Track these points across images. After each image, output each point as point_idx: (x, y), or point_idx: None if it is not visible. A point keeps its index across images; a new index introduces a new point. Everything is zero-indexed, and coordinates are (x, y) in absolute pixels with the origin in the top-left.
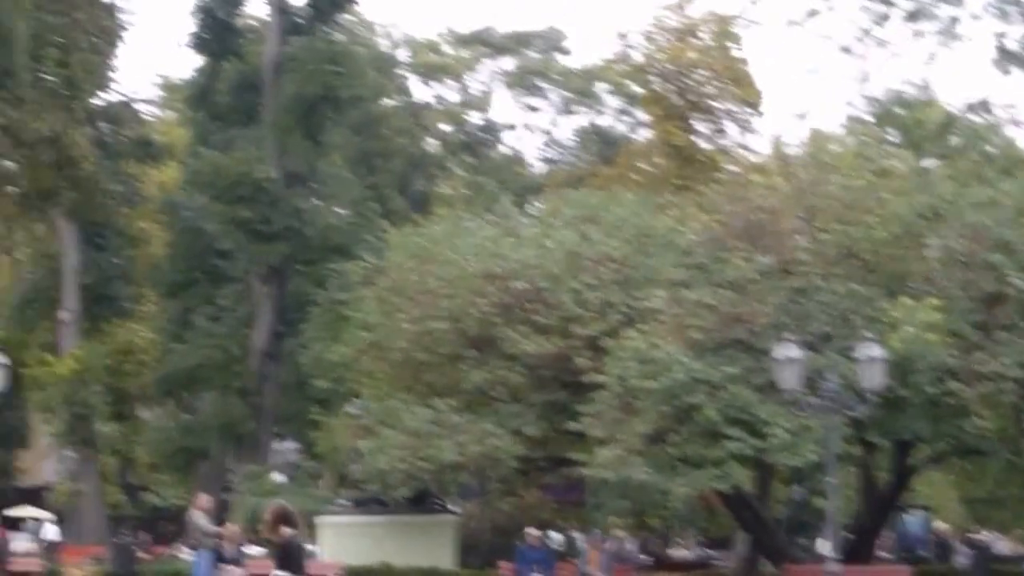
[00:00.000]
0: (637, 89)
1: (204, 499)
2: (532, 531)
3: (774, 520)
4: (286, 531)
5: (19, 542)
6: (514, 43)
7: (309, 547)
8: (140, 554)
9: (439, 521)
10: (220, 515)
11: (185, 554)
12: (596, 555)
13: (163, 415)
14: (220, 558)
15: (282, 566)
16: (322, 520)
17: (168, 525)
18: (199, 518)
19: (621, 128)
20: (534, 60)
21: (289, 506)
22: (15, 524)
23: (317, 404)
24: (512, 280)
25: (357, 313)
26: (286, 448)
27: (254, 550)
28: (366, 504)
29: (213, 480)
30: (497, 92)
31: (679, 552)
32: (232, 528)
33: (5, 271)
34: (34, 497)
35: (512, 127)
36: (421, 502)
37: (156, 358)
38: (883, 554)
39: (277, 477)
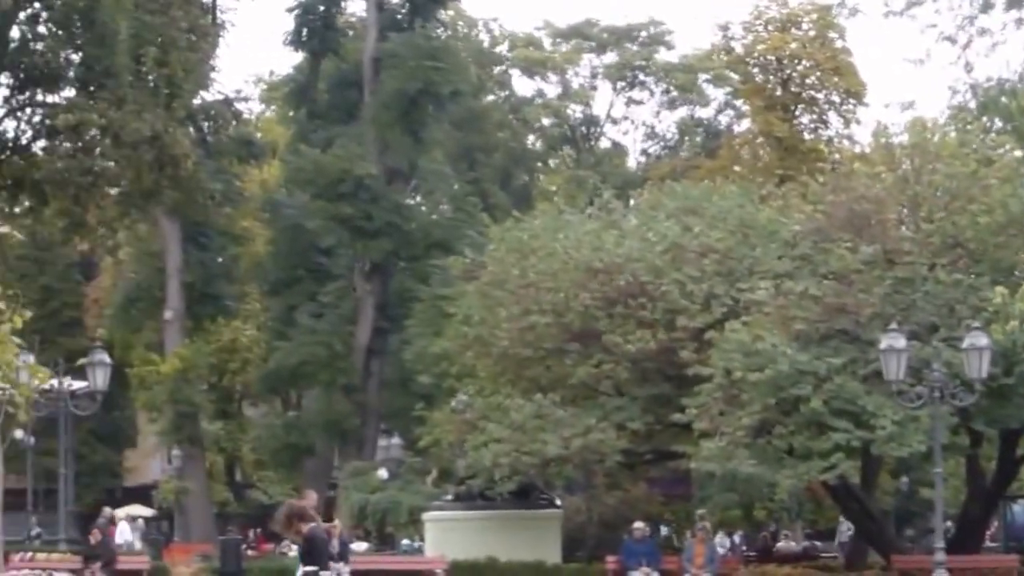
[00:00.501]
0: (736, 79)
1: (311, 496)
2: (638, 525)
3: (881, 511)
4: (303, 526)
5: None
6: (615, 37)
7: (410, 542)
8: (247, 551)
9: (544, 515)
10: (325, 512)
11: (292, 551)
12: (701, 549)
13: (268, 412)
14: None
15: (308, 561)
16: (427, 515)
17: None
18: None
19: (723, 120)
20: (635, 53)
21: (299, 503)
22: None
23: (421, 400)
24: (615, 273)
25: (459, 308)
26: (391, 444)
27: (360, 546)
28: (471, 499)
29: (319, 477)
30: (599, 86)
31: (785, 544)
32: (338, 525)
33: (109, 272)
34: (142, 496)
35: (614, 121)
36: (526, 496)
37: (260, 356)
38: (991, 544)
39: (382, 473)
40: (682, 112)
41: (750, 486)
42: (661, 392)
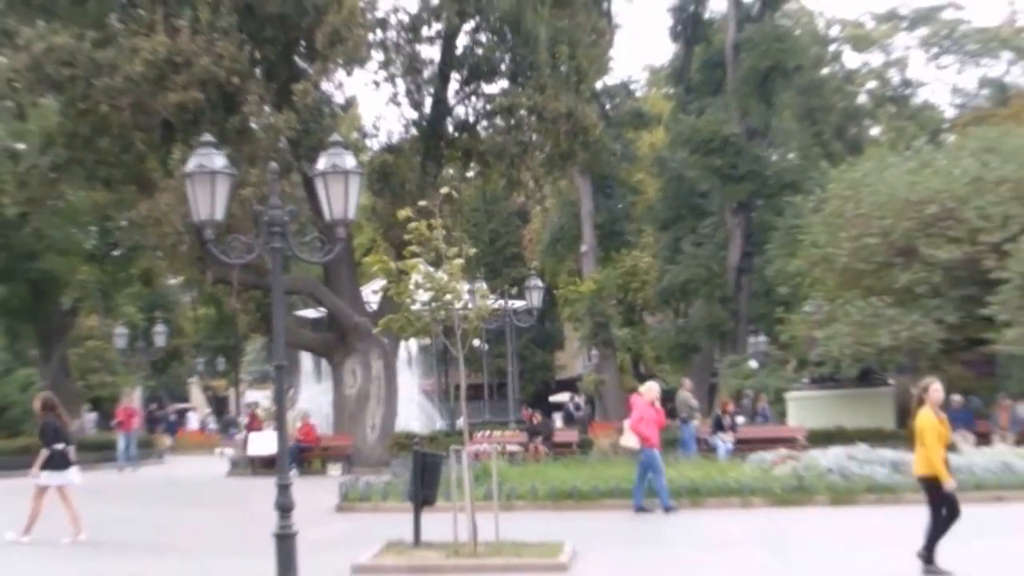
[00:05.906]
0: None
1: (687, 382)
2: (956, 397)
3: None
4: (44, 415)
5: (560, 421)
6: (923, 14)
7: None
8: None
9: (880, 392)
10: (710, 395)
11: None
12: (1005, 415)
13: (663, 320)
14: (719, 426)
15: (43, 442)
16: (789, 395)
17: (668, 403)
18: (686, 397)
19: (1015, 76)
20: (941, 25)
21: (50, 395)
22: (560, 407)
23: (780, 306)
24: (929, 203)
25: (808, 235)
26: (758, 341)
27: (740, 419)
28: (822, 381)
29: (703, 368)
30: (912, 54)
31: None
32: (730, 403)
33: (539, 218)
34: (569, 386)
35: (923, 83)
36: (865, 378)
37: (655, 277)
38: None
39: (752, 364)
40: (978, 72)
41: None
42: (969, 293)
